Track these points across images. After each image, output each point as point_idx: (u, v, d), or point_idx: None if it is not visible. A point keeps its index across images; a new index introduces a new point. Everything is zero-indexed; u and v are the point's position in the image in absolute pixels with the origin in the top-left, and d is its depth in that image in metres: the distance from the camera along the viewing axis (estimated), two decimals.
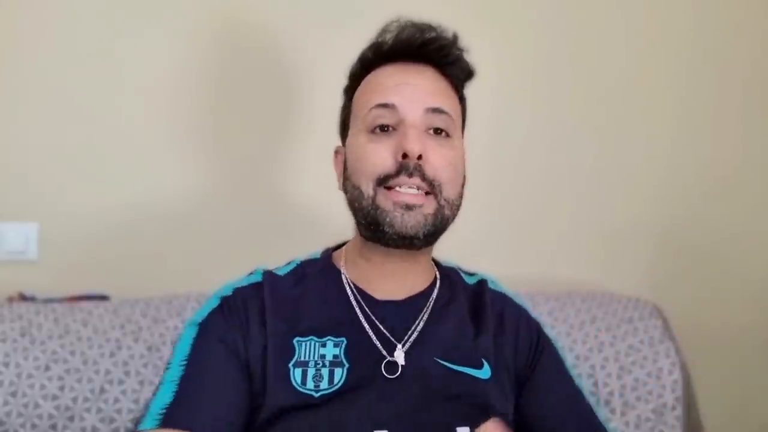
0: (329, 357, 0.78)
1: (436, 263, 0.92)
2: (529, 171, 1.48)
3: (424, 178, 0.78)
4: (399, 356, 0.79)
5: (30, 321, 1.19)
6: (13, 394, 1.12)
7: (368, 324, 0.81)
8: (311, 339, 0.80)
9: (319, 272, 0.87)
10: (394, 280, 0.84)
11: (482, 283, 0.90)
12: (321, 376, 0.77)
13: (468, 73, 0.87)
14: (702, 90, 1.51)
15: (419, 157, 0.78)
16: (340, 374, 0.77)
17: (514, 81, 1.46)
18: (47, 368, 1.15)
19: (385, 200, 0.78)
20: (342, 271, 0.86)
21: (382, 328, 0.81)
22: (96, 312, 1.24)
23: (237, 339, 0.79)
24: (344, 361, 0.78)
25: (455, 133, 0.84)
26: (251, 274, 0.87)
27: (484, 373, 0.81)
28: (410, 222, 0.78)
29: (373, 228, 0.80)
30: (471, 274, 0.93)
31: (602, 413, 0.85)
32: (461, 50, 0.85)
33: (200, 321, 0.81)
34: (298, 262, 0.90)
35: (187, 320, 0.87)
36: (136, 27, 1.37)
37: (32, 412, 1.11)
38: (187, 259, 1.40)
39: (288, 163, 1.39)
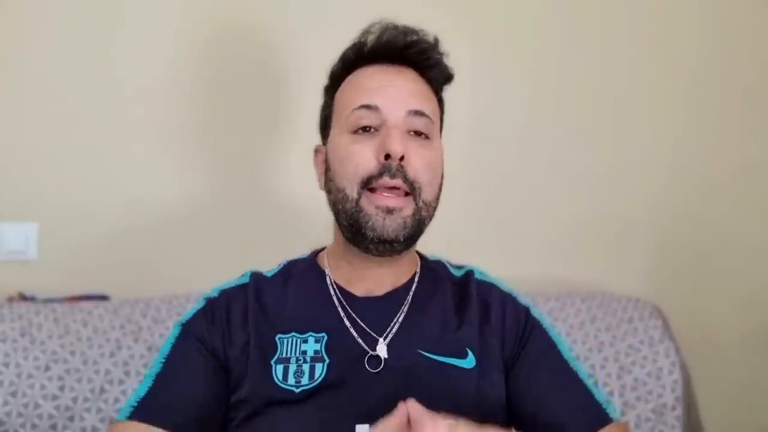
0: (310, 353, 0.80)
1: (422, 257, 0.93)
2: (530, 171, 1.48)
3: (405, 179, 0.80)
4: (381, 350, 0.80)
5: (30, 321, 1.19)
6: (13, 394, 1.12)
7: (349, 321, 0.82)
8: (293, 335, 0.82)
9: (304, 272, 0.89)
10: (375, 280, 0.86)
11: (469, 274, 0.90)
12: (302, 372, 0.78)
13: (447, 77, 0.89)
14: (704, 91, 1.51)
15: (401, 158, 0.79)
16: (320, 369, 0.79)
17: (515, 81, 1.46)
18: (47, 368, 1.15)
19: (368, 204, 0.80)
20: (326, 272, 0.88)
21: (362, 324, 0.82)
22: (96, 312, 1.24)
23: (216, 340, 0.82)
24: (325, 356, 0.80)
25: (434, 135, 0.85)
26: (242, 276, 0.90)
27: (469, 362, 0.81)
28: (391, 226, 0.79)
29: (354, 230, 0.81)
30: (459, 267, 0.93)
31: (602, 394, 0.84)
32: (441, 54, 0.87)
33: (183, 322, 0.85)
34: (286, 263, 0.92)
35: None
36: (134, 27, 1.37)
37: (32, 412, 1.11)
38: (187, 260, 1.39)
39: (288, 163, 1.39)
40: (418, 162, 0.81)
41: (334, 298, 0.85)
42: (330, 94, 0.89)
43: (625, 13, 1.48)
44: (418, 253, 0.92)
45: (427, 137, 0.83)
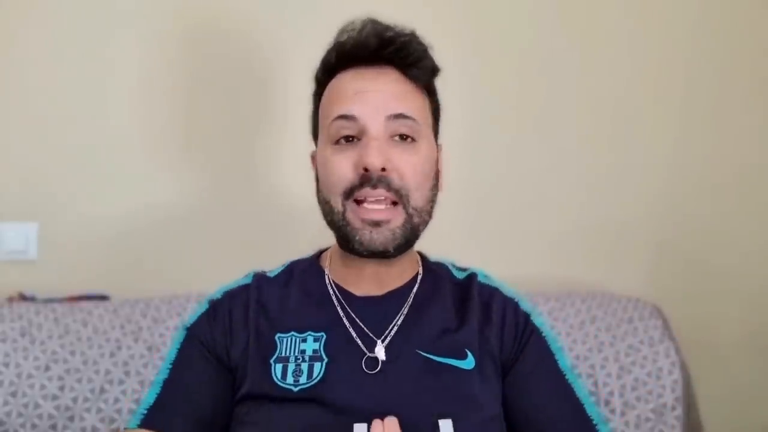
0: (309, 352, 0.80)
1: (424, 258, 0.92)
2: (530, 171, 1.48)
3: (389, 188, 0.78)
4: (379, 351, 0.80)
5: (30, 321, 1.19)
6: (13, 394, 1.12)
7: (348, 321, 0.82)
8: (292, 334, 0.82)
9: (305, 271, 0.89)
10: (373, 281, 0.85)
11: (471, 276, 0.90)
12: (300, 371, 0.78)
13: (432, 70, 0.84)
14: (703, 91, 1.50)
15: (383, 169, 0.77)
16: (319, 368, 0.79)
17: (516, 80, 1.46)
18: (47, 368, 1.15)
19: (354, 217, 0.79)
20: (326, 272, 0.87)
21: (362, 325, 0.82)
22: (96, 312, 1.24)
23: (219, 342, 0.83)
24: (323, 355, 0.80)
25: (422, 136, 0.82)
26: (245, 276, 0.90)
27: (468, 363, 0.80)
28: (379, 239, 0.78)
29: (343, 242, 0.81)
30: (462, 269, 0.92)
31: (598, 414, 0.83)
32: (422, 47, 0.82)
33: (188, 325, 0.86)
34: (290, 263, 0.92)
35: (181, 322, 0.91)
36: (134, 27, 1.37)
37: (32, 412, 1.11)
38: (186, 260, 1.40)
39: (287, 163, 1.39)
40: (403, 168, 0.78)
41: (333, 298, 0.85)
42: (317, 101, 0.87)
43: (624, 14, 1.48)
44: (420, 253, 0.91)
45: (413, 140, 0.80)
